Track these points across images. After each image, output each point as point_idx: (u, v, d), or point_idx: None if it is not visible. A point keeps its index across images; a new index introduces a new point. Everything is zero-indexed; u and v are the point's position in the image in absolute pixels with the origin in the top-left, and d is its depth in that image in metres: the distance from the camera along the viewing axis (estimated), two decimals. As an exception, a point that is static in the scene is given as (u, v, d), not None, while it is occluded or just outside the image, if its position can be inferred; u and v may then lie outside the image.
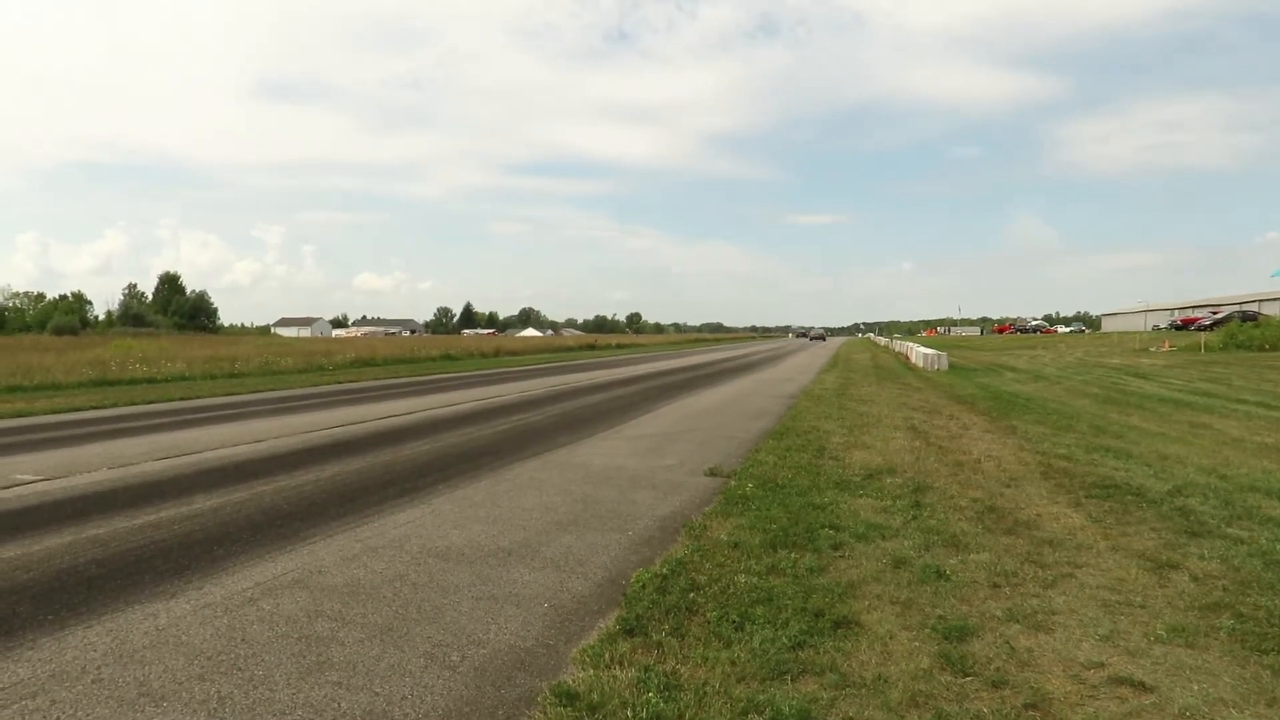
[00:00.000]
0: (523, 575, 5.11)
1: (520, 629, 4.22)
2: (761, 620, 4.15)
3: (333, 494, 7.48)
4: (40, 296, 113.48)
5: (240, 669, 3.66)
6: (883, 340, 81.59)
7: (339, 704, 3.34)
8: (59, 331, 74.04)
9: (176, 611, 4.38)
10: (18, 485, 7.79)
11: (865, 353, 49.05)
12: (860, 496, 7.14)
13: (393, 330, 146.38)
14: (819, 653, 3.79)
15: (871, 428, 12.02)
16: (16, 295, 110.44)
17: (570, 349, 60.52)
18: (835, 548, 5.54)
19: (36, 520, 6.46)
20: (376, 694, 3.44)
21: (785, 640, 3.89)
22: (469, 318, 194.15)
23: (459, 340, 60.43)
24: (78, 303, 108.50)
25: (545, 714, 3.25)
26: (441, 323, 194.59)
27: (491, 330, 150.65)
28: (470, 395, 18.52)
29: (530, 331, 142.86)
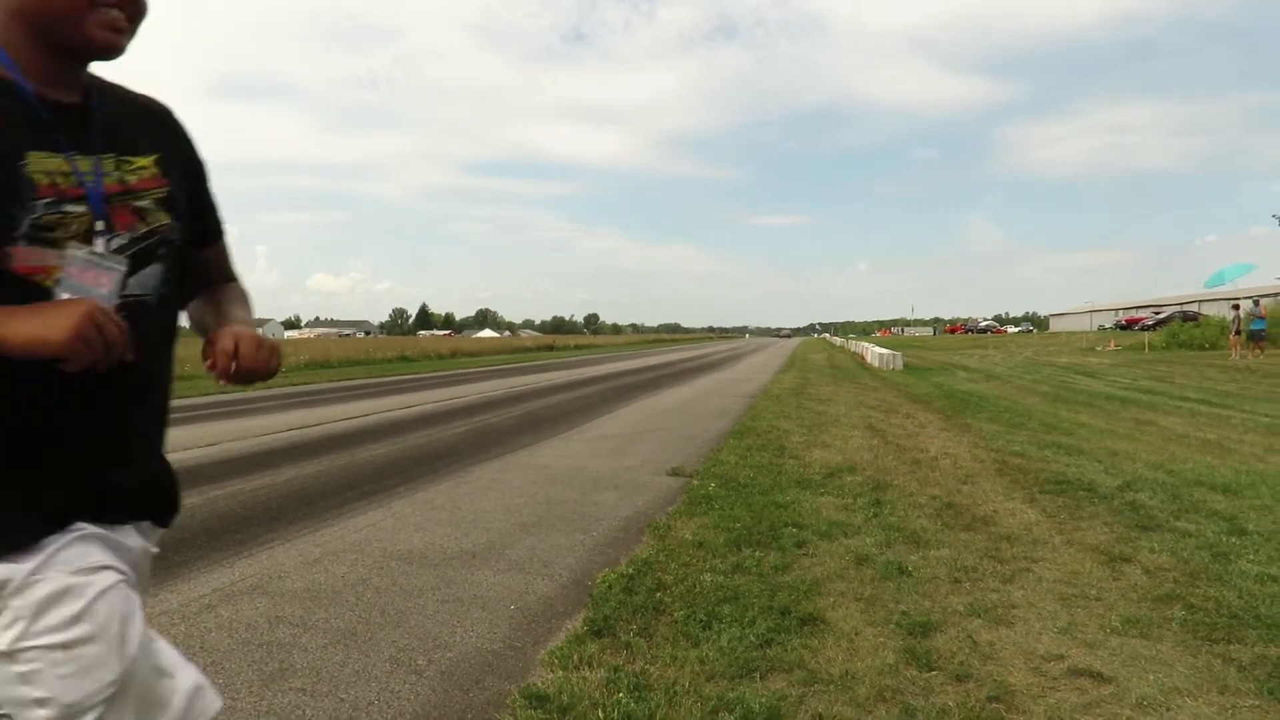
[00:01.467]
0: (487, 578, 5.07)
1: (487, 632, 4.18)
2: (729, 619, 4.17)
3: (290, 498, 7.35)
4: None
5: (200, 678, 3.57)
6: (838, 340, 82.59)
7: (304, 711, 3.29)
8: None
9: (131, 620, 4.26)
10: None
11: (822, 353, 49.60)
12: (822, 495, 7.21)
13: (347, 332, 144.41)
14: (786, 650, 3.82)
15: (830, 427, 12.15)
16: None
17: (528, 350, 60.26)
18: (799, 545, 5.58)
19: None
20: (342, 700, 3.39)
21: (753, 638, 3.91)
22: (425, 319, 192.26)
23: (415, 342, 59.79)
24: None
25: (515, 716, 3.23)
26: (397, 324, 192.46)
27: (448, 331, 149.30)
28: (428, 397, 18.33)
29: (487, 333, 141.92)
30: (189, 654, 3.79)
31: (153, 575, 5.04)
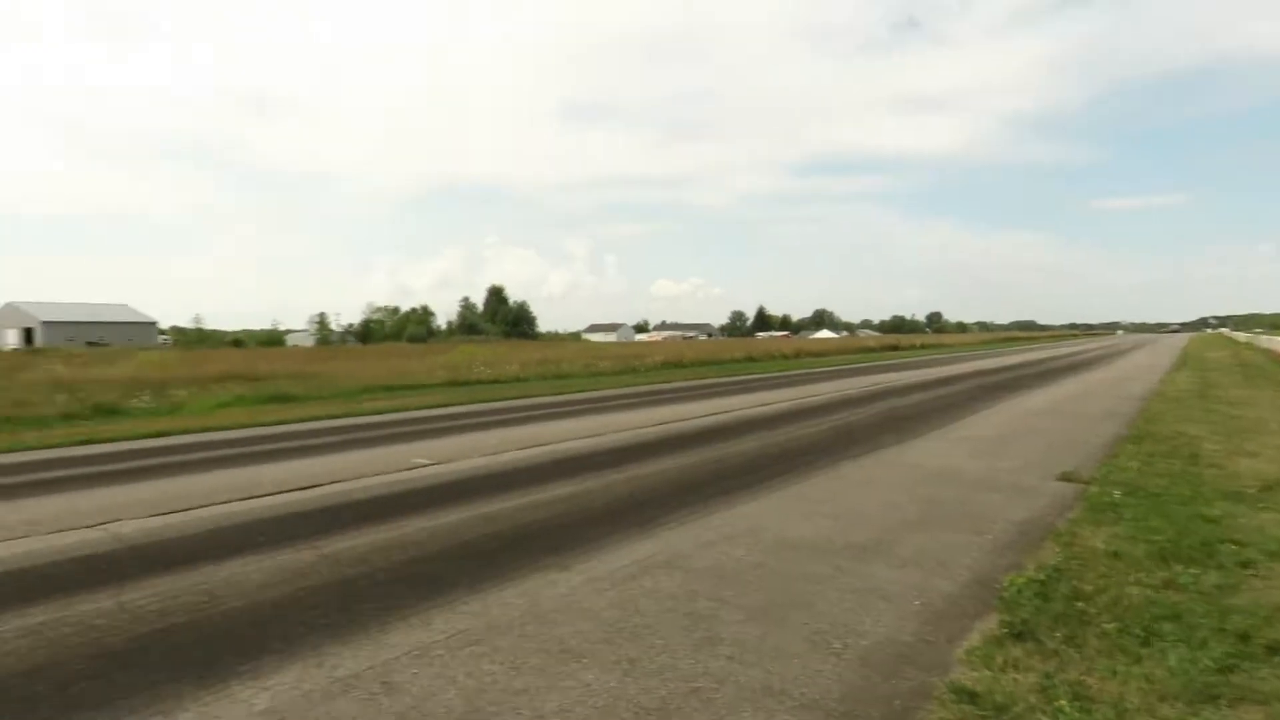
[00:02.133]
0: (882, 571, 5.05)
1: (895, 623, 4.17)
2: (1172, 638, 3.75)
3: (673, 485, 7.90)
4: (395, 310, 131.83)
5: (639, 637, 3.98)
6: (1242, 336, 70.31)
7: (737, 678, 3.52)
8: (412, 340, 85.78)
9: (571, 582, 4.87)
10: (416, 468, 9.09)
11: (1222, 350, 42.64)
12: (1262, 510, 6.22)
13: (690, 334, 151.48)
14: (1254, 678, 3.35)
15: (1253, 434, 10.42)
16: (379, 309, 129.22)
17: (871, 350, 58.82)
18: (1244, 565, 4.87)
19: (435, 498, 7.49)
20: (769, 671, 3.58)
21: (1208, 662, 3.49)
22: (762, 320, 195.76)
23: (757, 343, 61.33)
24: (425, 314, 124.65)
25: (947, 710, 3.19)
26: (735, 326, 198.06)
27: (786, 333, 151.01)
28: (781, 395, 18.65)
29: (825, 333, 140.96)
30: (625, 616, 4.25)
31: (576, 546, 5.64)
